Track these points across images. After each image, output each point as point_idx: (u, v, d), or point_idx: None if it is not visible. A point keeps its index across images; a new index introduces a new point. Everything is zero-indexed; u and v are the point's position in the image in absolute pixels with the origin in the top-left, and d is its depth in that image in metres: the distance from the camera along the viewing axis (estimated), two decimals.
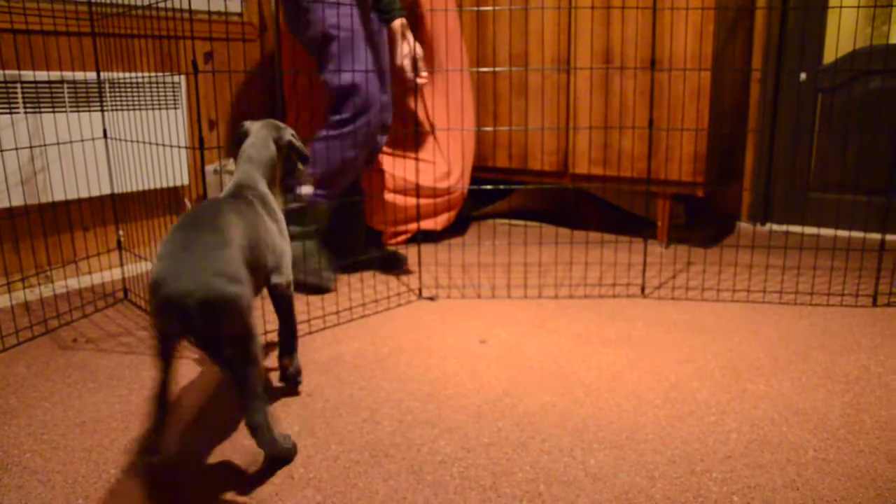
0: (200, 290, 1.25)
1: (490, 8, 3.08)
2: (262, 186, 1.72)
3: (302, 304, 2.43)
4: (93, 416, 1.68)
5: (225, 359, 1.31)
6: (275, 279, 1.66)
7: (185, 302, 1.24)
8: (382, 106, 2.63)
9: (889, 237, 3.22)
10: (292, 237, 2.55)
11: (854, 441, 1.55)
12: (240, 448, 1.53)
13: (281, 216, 1.74)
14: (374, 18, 2.65)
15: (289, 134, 1.83)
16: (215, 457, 1.50)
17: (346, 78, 2.54)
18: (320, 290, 2.59)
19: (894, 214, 3.26)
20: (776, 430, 1.59)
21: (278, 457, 1.47)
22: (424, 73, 2.60)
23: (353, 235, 2.87)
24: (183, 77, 2.92)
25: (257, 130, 1.81)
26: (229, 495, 1.36)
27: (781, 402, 1.73)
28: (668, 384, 1.83)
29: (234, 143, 1.85)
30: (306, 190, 2.64)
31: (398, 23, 2.61)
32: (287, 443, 1.48)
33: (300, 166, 1.90)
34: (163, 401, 1.38)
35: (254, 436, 1.35)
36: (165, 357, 1.35)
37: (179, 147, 2.48)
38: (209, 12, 3.10)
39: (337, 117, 2.58)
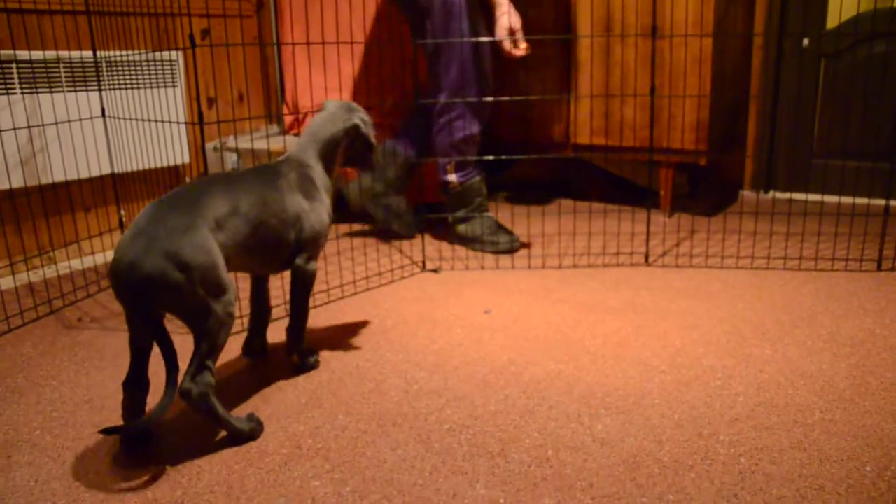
0: (146, 267, 1.29)
1: None
2: (312, 162, 1.72)
3: None
4: (100, 394, 1.68)
5: (158, 335, 1.35)
6: (297, 259, 1.68)
7: (128, 276, 1.30)
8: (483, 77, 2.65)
9: (893, 202, 3.21)
10: (463, 220, 2.77)
11: (860, 402, 1.55)
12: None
13: (324, 196, 1.72)
14: None
15: (357, 118, 1.81)
16: (226, 433, 1.50)
17: (443, 58, 2.59)
18: (503, 252, 2.71)
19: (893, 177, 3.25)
20: (782, 393, 1.59)
21: (233, 435, 1.47)
22: (523, 45, 2.56)
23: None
24: (180, 54, 2.90)
25: (330, 108, 1.82)
26: (237, 467, 1.37)
27: (787, 365, 1.73)
28: (674, 350, 1.83)
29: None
30: (451, 178, 2.74)
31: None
32: (245, 424, 1.47)
33: (374, 158, 1.88)
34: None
35: (184, 401, 1.39)
36: (146, 325, 1.36)
37: (179, 124, 2.46)
38: None
39: (439, 97, 2.65)
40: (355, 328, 2.03)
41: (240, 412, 1.57)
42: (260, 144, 2.91)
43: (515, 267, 2.53)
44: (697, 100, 2.96)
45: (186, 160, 3.01)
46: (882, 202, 3.22)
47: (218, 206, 1.45)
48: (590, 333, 1.94)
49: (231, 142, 3.07)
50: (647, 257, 2.57)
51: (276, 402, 1.61)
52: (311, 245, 1.69)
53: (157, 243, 1.31)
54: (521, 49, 2.55)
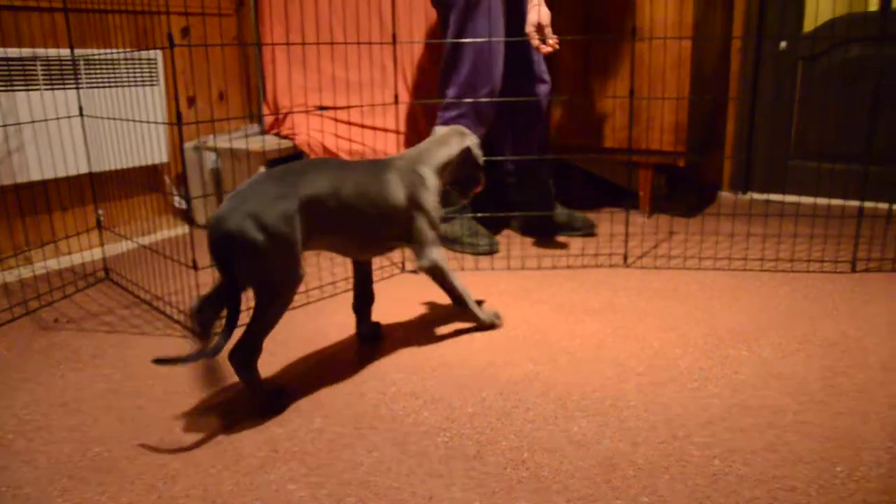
0: (230, 224, 1.42)
1: None
2: (426, 167, 1.84)
3: None
4: (76, 396, 1.67)
5: (233, 293, 1.45)
6: (419, 261, 1.84)
7: (217, 230, 1.43)
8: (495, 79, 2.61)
9: (867, 204, 3.25)
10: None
11: (832, 403, 1.57)
12: (228, 423, 1.53)
13: (429, 200, 1.81)
14: None
15: (469, 141, 1.94)
16: (202, 436, 1.50)
17: (461, 50, 2.56)
18: (479, 254, 2.72)
19: (872, 182, 3.28)
20: (757, 395, 1.61)
21: (257, 406, 1.58)
22: (552, 41, 2.53)
23: (541, 201, 2.91)
24: (160, 53, 2.89)
25: (442, 132, 1.95)
26: (213, 470, 1.36)
27: (762, 367, 1.75)
28: (651, 351, 1.84)
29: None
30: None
31: None
32: (271, 398, 1.59)
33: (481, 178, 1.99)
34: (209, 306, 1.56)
35: (230, 362, 1.52)
36: (223, 274, 1.46)
37: (157, 123, 2.45)
38: None
39: (448, 93, 2.62)
40: (334, 329, 2.03)
41: (216, 411, 1.57)
42: (240, 144, 2.90)
43: (495, 268, 2.54)
44: (676, 102, 2.98)
45: (165, 159, 2.99)
46: (857, 204, 3.26)
47: (317, 185, 1.56)
48: (568, 334, 1.96)
49: (211, 141, 3.06)
50: (625, 258, 2.59)
51: (252, 405, 1.61)
52: (430, 237, 1.82)
53: (245, 204, 1.44)
54: (550, 44, 2.51)
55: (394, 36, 2.44)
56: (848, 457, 1.36)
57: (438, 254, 1.84)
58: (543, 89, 2.76)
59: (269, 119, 3.28)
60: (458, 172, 1.94)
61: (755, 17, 3.43)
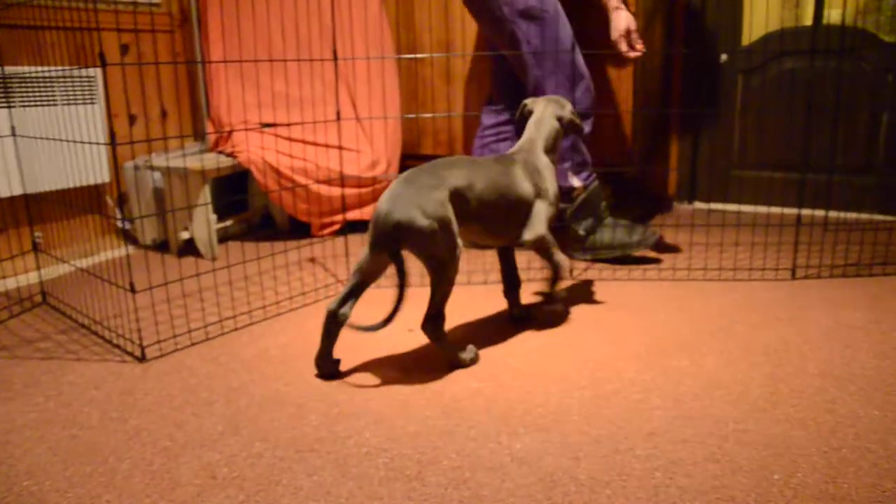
0: (399, 214, 1.67)
1: None
2: (538, 153, 2.04)
3: (227, 301, 2.38)
4: (5, 427, 1.61)
5: (402, 274, 1.69)
6: (524, 234, 1.98)
7: (385, 222, 1.68)
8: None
9: (805, 212, 3.32)
10: (594, 230, 2.70)
11: (772, 411, 1.58)
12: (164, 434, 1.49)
13: (549, 183, 2.01)
14: None
15: (569, 111, 2.11)
16: (137, 463, 1.46)
17: (547, 61, 2.55)
18: (650, 246, 2.69)
19: (809, 189, 3.36)
20: (699, 405, 1.62)
21: (450, 362, 1.86)
22: (640, 46, 2.50)
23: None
24: (99, 70, 2.83)
25: (542, 107, 2.11)
26: (148, 500, 1.32)
27: (704, 376, 1.76)
28: (595, 364, 1.84)
29: (517, 120, 2.17)
30: (575, 182, 2.68)
31: None
32: (467, 354, 1.87)
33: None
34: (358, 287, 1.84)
35: (424, 332, 1.80)
36: (393, 260, 1.70)
37: (94, 144, 2.39)
38: (126, 2, 3.00)
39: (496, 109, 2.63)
40: (277, 351, 2.00)
41: (151, 436, 1.52)
42: (183, 162, 2.85)
43: None
44: (620, 114, 3.01)
45: (106, 179, 2.92)
46: (795, 211, 3.33)
47: (458, 180, 1.79)
48: (512, 349, 1.95)
49: (153, 160, 3.00)
50: (571, 270, 2.60)
51: (191, 430, 1.57)
52: (543, 220, 1.98)
53: (408, 197, 1.69)
54: (638, 50, 2.49)
55: (334, 52, 2.42)
56: (786, 464, 1.38)
57: (544, 227, 1.99)
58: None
59: (213, 136, 3.23)
60: (565, 135, 2.15)
61: (696, 30, 3.49)
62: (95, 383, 1.82)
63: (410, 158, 3.55)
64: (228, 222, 3.19)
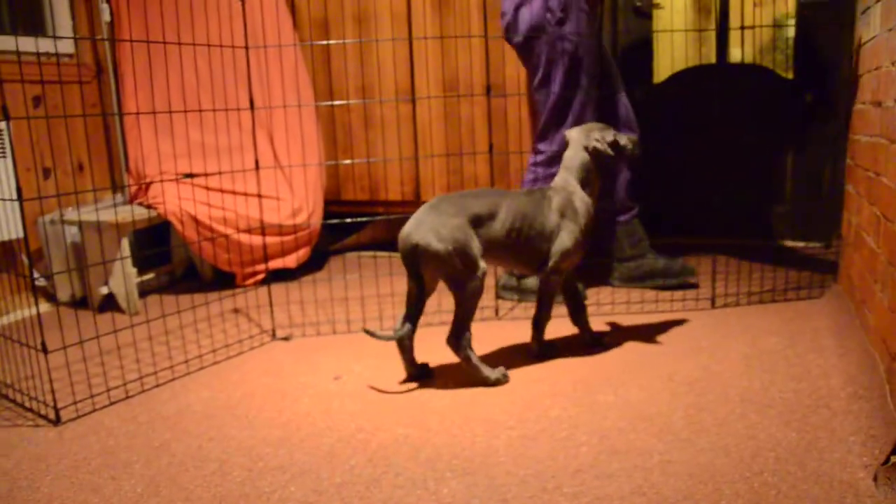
0: (417, 238, 1.86)
1: (324, 42, 3.07)
2: (573, 188, 2.08)
3: (147, 356, 2.31)
4: None
5: (420, 292, 1.92)
6: (544, 268, 2.06)
7: (405, 244, 1.88)
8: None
9: (719, 241, 3.42)
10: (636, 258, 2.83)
11: (696, 440, 1.61)
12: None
13: (579, 217, 2.05)
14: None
15: (592, 140, 2.11)
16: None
17: (562, 106, 2.61)
18: (687, 282, 2.81)
19: (721, 218, 3.46)
20: (624, 439, 1.63)
21: (476, 379, 1.97)
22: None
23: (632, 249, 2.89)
24: (7, 123, 2.74)
25: (573, 138, 2.15)
26: None
27: (629, 410, 1.78)
28: (522, 404, 1.85)
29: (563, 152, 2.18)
30: (622, 217, 2.78)
31: None
32: (493, 373, 1.97)
33: (629, 150, 2.16)
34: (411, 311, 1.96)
35: (450, 347, 1.95)
36: (412, 278, 1.92)
37: (0, 200, 2.32)
38: (35, 54, 2.94)
39: (544, 148, 2.66)
40: (200, 406, 1.94)
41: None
42: (102, 216, 2.77)
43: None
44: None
45: (21, 235, 2.82)
46: (710, 241, 3.43)
47: (479, 207, 1.93)
48: (439, 393, 1.94)
49: (70, 214, 2.92)
50: (497, 311, 2.61)
51: (108, 494, 1.51)
52: (559, 258, 2.04)
53: (427, 223, 1.87)
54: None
55: (251, 100, 2.41)
56: (710, 493, 1.40)
57: (556, 265, 2.05)
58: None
59: (132, 188, 3.17)
60: (602, 164, 2.12)
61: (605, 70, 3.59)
62: (4, 451, 1.73)
63: (333, 204, 3.54)
64: (150, 275, 3.12)
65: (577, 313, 2.21)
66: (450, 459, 1.58)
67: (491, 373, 1.97)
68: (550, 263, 2.04)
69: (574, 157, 2.12)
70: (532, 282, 2.71)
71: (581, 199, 2.07)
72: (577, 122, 2.58)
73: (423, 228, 1.86)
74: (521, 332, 2.38)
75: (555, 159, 2.61)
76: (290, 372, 2.15)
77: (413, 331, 1.97)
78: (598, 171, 2.12)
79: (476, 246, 1.90)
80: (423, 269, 1.89)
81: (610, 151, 2.10)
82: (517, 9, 2.61)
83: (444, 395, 1.92)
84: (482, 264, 1.91)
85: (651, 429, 1.67)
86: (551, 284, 2.08)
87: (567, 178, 2.10)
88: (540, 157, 2.68)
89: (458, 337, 1.92)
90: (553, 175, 2.60)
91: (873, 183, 2.04)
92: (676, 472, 1.48)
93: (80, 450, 1.72)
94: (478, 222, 1.92)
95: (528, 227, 2.00)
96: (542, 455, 1.58)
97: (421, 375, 2.04)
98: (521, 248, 2.01)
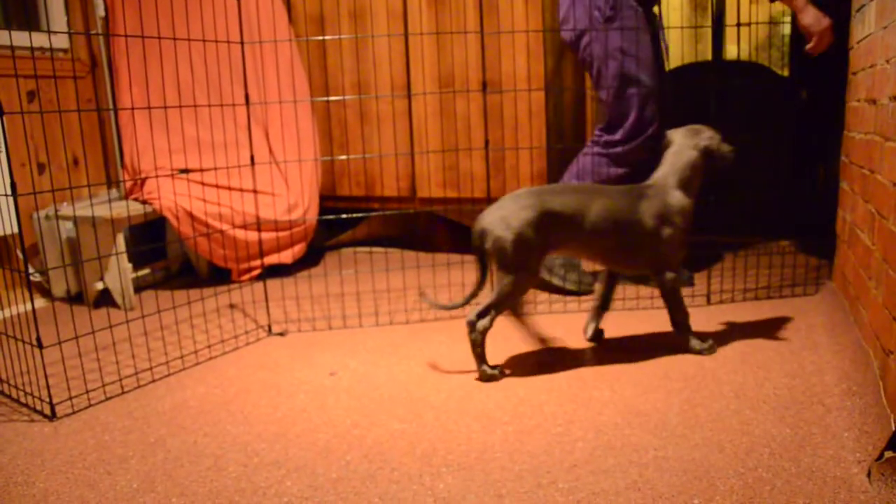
0: (486, 222, 1.93)
1: (320, 38, 3.07)
2: (671, 189, 2.05)
3: (143, 352, 2.31)
4: None
5: (483, 273, 1.98)
6: (660, 275, 2.07)
7: (477, 224, 1.94)
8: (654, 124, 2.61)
9: (714, 238, 3.43)
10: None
11: (690, 436, 1.61)
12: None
13: (676, 217, 2.03)
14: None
15: (705, 139, 2.10)
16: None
17: (621, 101, 2.58)
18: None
19: (711, 216, 3.47)
20: (619, 434, 1.64)
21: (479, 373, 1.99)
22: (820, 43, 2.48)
23: None
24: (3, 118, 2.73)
25: (679, 139, 2.12)
26: None
27: (624, 405, 1.79)
28: (517, 399, 1.85)
29: (662, 151, 2.14)
30: None
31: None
32: (489, 370, 1.98)
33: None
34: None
35: (468, 327, 1.96)
36: (477, 258, 1.97)
37: None
38: (31, 48, 2.93)
39: (607, 138, 2.62)
40: (196, 401, 1.94)
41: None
42: (97, 211, 2.77)
43: (364, 325, 2.51)
44: (534, 150, 3.06)
45: (15, 230, 2.81)
46: (707, 238, 3.43)
47: (562, 206, 1.93)
48: (435, 389, 1.94)
49: (65, 209, 2.91)
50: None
51: (104, 489, 1.51)
52: (661, 260, 2.05)
53: (502, 210, 1.92)
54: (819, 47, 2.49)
55: (246, 96, 2.41)
56: (704, 488, 1.40)
57: (663, 268, 2.06)
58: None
59: (128, 184, 3.16)
60: (712, 165, 2.11)
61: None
62: (0, 446, 1.73)
63: (329, 200, 3.54)
64: (145, 271, 3.11)
65: (603, 308, 2.23)
66: (445, 455, 1.58)
67: (487, 368, 1.98)
68: (656, 266, 2.06)
69: (680, 155, 2.08)
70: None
71: (678, 200, 2.05)
72: (640, 117, 2.58)
73: (495, 215, 1.92)
74: (518, 328, 2.38)
75: (615, 144, 2.64)
76: (286, 367, 2.15)
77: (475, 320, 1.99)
78: (703, 171, 2.10)
79: (541, 246, 1.93)
80: (486, 255, 1.94)
81: (725, 151, 2.12)
82: (572, 5, 2.62)
83: (439, 391, 1.92)
84: (538, 267, 1.96)
85: (646, 425, 1.68)
86: (665, 285, 2.08)
87: (667, 177, 2.07)
88: (603, 139, 2.67)
89: (481, 316, 1.95)
90: (612, 156, 2.64)
91: (868, 180, 2.05)
92: (671, 468, 1.48)
93: (76, 445, 1.72)
94: (553, 219, 1.93)
95: (621, 229, 1.99)
96: (538, 450, 1.58)
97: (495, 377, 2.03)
98: (614, 248, 2.02)
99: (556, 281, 2.74)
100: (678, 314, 2.11)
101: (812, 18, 2.48)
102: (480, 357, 1.98)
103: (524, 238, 1.89)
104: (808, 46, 2.49)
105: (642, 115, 2.60)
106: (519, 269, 1.91)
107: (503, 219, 1.90)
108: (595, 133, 2.72)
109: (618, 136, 2.63)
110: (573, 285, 2.74)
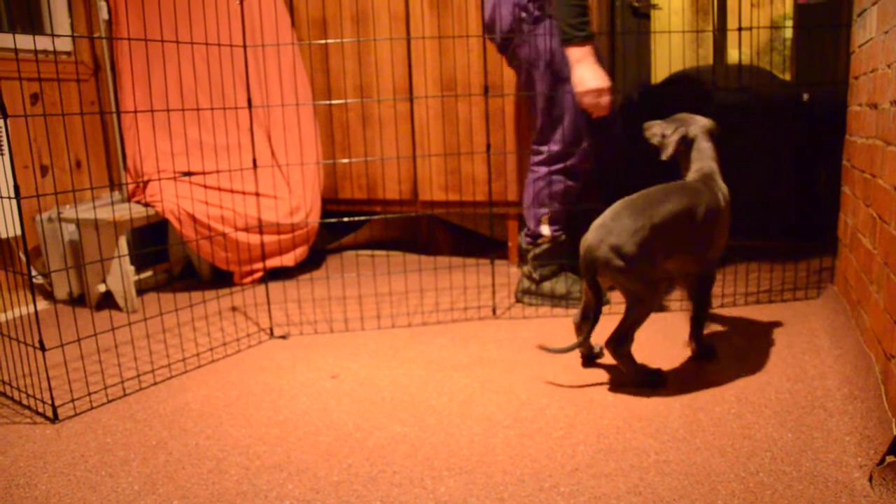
0: (596, 253, 1.84)
1: (322, 41, 3.07)
2: (718, 174, 2.07)
3: (145, 354, 2.31)
4: None
5: (597, 300, 1.92)
6: (708, 267, 2.05)
7: (586, 255, 1.86)
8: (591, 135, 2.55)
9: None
10: (549, 277, 2.67)
11: (691, 440, 1.61)
12: None
13: (725, 209, 2.04)
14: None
15: (702, 122, 2.13)
16: None
17: (556, 110, 2.50)
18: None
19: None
20: (621, 438, 1.64)
21: (634, 381, 1.92)
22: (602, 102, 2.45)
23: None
24: (6, 121, 2.74)
25: (699, 131, 2.12)
26: None
27: (626, 409, 1.79)
28: (519, 403, 1.85)
29: (680, 143, 2.12)
30: (545, 230, 2.63)
31: (575, 50, 2.39)
32: (649, 376, 1.92)
33: None
34: (587, 316, 1.98)
35: (608, 349, 1.90)
36: (591, 288, 1.91)
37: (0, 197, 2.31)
38: (33, 51, 2.94)
39: (548, 149, 2.56)
40: (198, 403, 1.94)
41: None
42: (100, 214, 2.77)
43: (365, 328, 2.51)
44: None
45: (18, 232, 2.82)
46: None
47: (665, 215, 1.86)
48: (436, 392, 1.94)
49: (68, 211, 2.92)
50: (494, 310, 2.62)
51: (105, 492, 1.51)
52: (721, 247, 2.06)
53: (609, 237, 1.82)
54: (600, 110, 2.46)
55: (249, 100, 2.41)
56: (706, 493, 1.40)
57: (717, 256, 2.08)
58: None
59: (131, 186, 3.17)
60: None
61: (607, 71, 3.60)
62: (2, 448, 1.73)
63: (331, 203, 3.55)
64: (148, 273, 3.12)
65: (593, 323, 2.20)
66: (447, 458, 1.58)
67: (652, 375, 1.93)
68: (718, 254, 2.06)
69: (709, 145, 2.10)
70: (549, 285, 2.67)
71: (723, 189, 2.06)
72: (575, 121, 2.51)
73: (605, 242, 1.82)
74: (520, 331, 2.39)
75: (558, 159, 2.57)
76: (288, 370, 2.15)
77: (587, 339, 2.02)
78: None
79: (657, 260, 1.85)
80: (601, 280, 1.89)
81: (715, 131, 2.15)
82: (494, 7, 2.53)
83: (441, 394, 1.92)
84: (662, 279, 1.90)
85: (647, 428, 1.68)
86: (714, 275, 2.09)
87: (712, 166, 2.08)
88: (541, 157, 2.61)
89: (621, 343, 1.88)
90: (561, 171, 2.59)
91: (869, 184, 2.05)
92: (672, 472, 1.48)
93: (78, 447, 1.72)
94: (663, 231, 1.86)
95: (715, 221, 1.99)
96: (540, 454, 1.58)
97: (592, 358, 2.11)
98: (708, 244, 2.00)
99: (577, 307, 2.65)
100: (704, 304, 2.10)
101: (577, 77, 2.40)
102: (638, 369, 1.92)
103: (643, 259, 1.81)
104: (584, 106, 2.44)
105: (577, 119, 2.52)
106: (648, 290, 1.85)
107: (615, 248, 1.80)
108: (532, 148, 2.64)
109: (556, 146, 2.56)
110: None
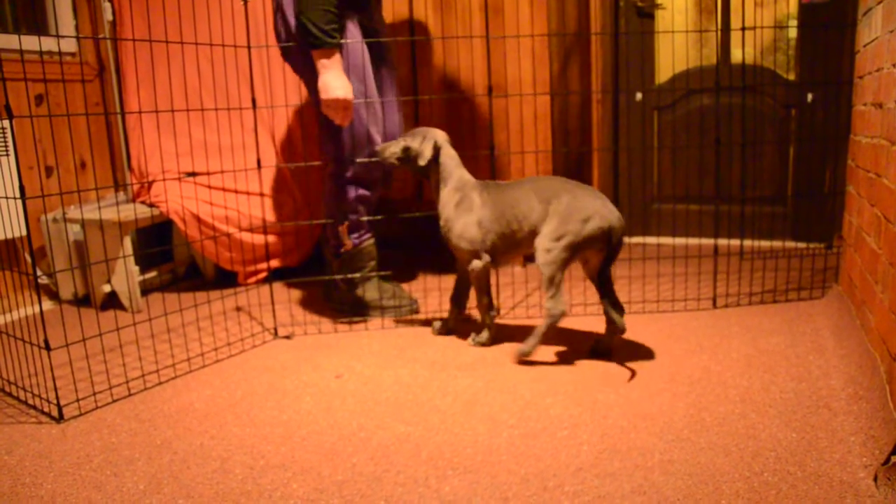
0: (615, 222, 2.04)
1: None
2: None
3: (150, 354, 2.32)
4: None
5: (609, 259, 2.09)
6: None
7: (620, 228, 2.07)
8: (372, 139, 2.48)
9: (722, 242, 3.43)
10: (358, 284, 2.63)
11: (696, 440, 1.61)
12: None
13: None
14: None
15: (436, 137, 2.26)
16: None
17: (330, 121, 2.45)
18: (404, 315, 2.65)
19: (724, 220, 3.47)
20: (625, 437, 1.64)
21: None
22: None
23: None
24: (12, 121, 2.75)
25: (443, 140, 2.25)
26: None
27: (630, 408, 1.79)
28: (523, 403, 1.85)
29: (433, 158, 2.24)
30: (348, 241, 2.60)
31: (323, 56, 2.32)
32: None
33: None
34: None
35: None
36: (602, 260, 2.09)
37: (2, 198, 2.32)
38: (38, 52, 2.95)
39: (332, 159, 2.52)
40: (202, 403, 1.95)
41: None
42: (104, 214, 2.78)
43: (369, 328, 2.51)
44: (540, 154, 3.07)
45: (23, 233, 2.83)
46: (712, 241, 3.43)
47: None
48: (440, 392, 1.95)
49: (72, 212, 2.93)
50: (498, 310, 2.62)
51: (110, 491, 1.51)
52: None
53: (608, 203, 2.06)
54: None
55: (253, 101, 2.41)
56: (710, 492, 1.40)
57: None
58: None
59: (135, 187, 3.18)
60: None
61: (610, 70, 3.60)
62: (7, 448, 1.74)
63: None
64: (152, 273, 3.12)
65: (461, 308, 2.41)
66: (451, 457, 1.58)
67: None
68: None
69: (454, 152, 2.27)
70: (360, 291, 2.62)
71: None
72: (353, 129, 2.44)
73: (615, 209, 2.08)
74: (523, 332, 2.39)
75: (342, 169, 2.49)
76: (292, 370, 2.15)
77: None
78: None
79: None
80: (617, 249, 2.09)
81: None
82: (275, 13, 2.44)
83: (445, 394, 1.93)
84: None
85: (652, 428, 1.68)
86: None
87: (466, 174, 2.26)
88: (329, 170, 2.54)
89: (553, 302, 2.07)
90: (351, 181, 2.51)
91: (874, 184, 2.04)
92: (677, 472, 1.48)
93: (83, 447, 1.73)
94: None
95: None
96: (544, 454, 1.58)
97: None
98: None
99: (391, 315, 2.62)
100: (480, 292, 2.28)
101: (321, 84, 2.32)
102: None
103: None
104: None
105: (353, 128, 2.44)
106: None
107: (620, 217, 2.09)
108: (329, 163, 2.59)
109: (337, 156, 2.50)
110: (408, 307, 2.65)
